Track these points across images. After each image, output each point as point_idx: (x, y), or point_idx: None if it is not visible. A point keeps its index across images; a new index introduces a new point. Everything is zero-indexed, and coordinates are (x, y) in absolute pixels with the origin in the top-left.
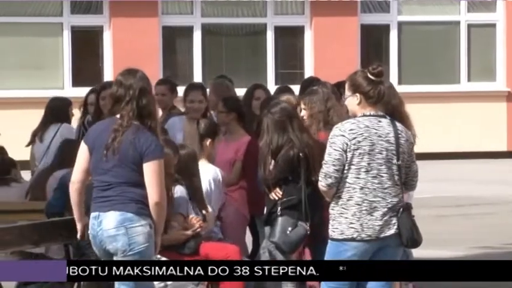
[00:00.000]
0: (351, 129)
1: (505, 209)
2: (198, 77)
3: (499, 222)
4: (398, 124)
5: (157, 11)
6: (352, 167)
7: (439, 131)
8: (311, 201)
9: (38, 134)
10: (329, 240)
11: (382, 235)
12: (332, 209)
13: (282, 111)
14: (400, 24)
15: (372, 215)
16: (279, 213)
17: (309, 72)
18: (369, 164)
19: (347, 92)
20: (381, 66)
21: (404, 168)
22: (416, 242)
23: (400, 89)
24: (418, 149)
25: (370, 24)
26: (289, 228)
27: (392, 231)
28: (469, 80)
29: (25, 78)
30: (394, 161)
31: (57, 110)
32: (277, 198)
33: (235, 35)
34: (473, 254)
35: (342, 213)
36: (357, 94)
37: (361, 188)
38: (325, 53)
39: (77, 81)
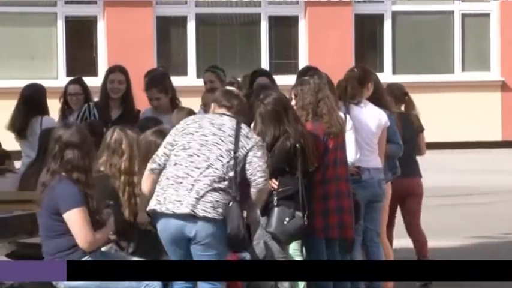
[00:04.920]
0: (185, 119)
1: (500, 199)
2: (192, 67)
3: (494, 212)
4: (245, 125)
5: (152, 1)
6: (176, 146)
7: (433, 120)
8: (307, 192)
9: (20, 131)
10: None
11: (179, 211)
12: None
13: (276, 101)
14: (394, 14)
15: (176, 190)
16: (275, 204)
17: (303, 62)
18: (188, 142)
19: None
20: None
21: (242, 161)
22: (240, 243)
23: (394, 78)
24: None
25: (365, 13)
26: (286, 219)
27: (198, 210)
28: (463, 69)
29: (19, 68)
30: (222, 148)
31: (33, 101)
32: (273, 189)
33: (230, 25)
34: (468, 244)
35: (157, 187)
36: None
37: (175, 164)
38: (320, 42)
39: (71, 71)
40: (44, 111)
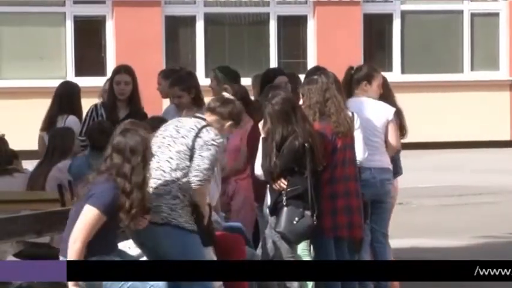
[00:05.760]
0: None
1: (509, 199)
2: (200, 67)
3: (502, 211)
4: (209, 128)
5: (160, 1)
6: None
7: (442, 120)
8: (315, 191)
9: (47, 128)
10: None
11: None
12: None
13: (284, 101)
14: (403, 13)
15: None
16: (284, 203)
17: (311, 61)
18: (158, 146)
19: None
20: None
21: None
22: (205, 241)
23: (403, 78)
24: (421, 138)
25: (373, 13)
26: (296, 219)
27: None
28: (472, 69)
29: (28, 68)
30: (173, 149)
31: (63, 99)
32: (282, 188)
33: (238, 25)
34: (477, 243)
35: None
36: None
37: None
38: (328, 42)
39: (79, 71)
40: (72, 110)
